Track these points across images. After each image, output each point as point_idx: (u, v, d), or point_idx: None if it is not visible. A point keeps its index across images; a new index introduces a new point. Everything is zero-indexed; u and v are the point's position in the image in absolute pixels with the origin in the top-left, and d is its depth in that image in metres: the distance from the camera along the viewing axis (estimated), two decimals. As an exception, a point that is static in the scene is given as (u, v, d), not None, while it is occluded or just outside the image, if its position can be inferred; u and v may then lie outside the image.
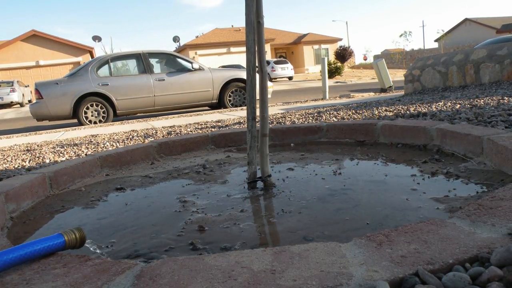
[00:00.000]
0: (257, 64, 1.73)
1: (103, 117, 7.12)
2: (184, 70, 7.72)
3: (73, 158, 2.72)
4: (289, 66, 26.64)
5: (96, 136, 4.24)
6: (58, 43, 25.24)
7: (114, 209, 1.58)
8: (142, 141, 3.30)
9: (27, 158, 2.91)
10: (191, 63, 7.82)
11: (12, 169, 2.44)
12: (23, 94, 19.18)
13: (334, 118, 3.42)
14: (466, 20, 40.17)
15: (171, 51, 8.29)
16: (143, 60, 7.48)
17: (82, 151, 3.05)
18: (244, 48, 1.93)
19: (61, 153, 3.06)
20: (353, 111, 3.92)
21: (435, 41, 42.03)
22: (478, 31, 37.10)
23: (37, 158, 2.88)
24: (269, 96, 5.58)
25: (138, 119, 6.97)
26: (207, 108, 8.57)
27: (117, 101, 7.17)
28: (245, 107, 6.97)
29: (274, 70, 25.86)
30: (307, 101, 7.77)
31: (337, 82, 20.06)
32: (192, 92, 7.63)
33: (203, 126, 4.14)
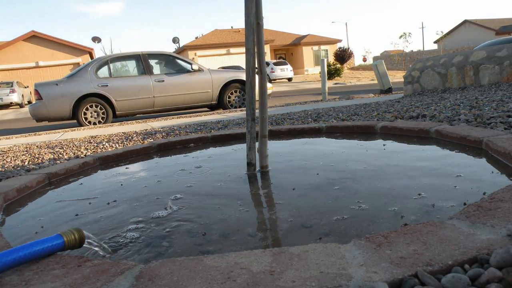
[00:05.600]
0: (256, 65, 1.73)
1: (102, 118, 7.12)
2: (184, 71, 7.73)
3: (72, 158, 2.71)
4: (288, 67, 26.66)
5: (95, 137, 4.24)
6: (58, 44, 25.25)
7: (112, 203, 1.57)
8: (141, 142, 3.30)
9: (26, 159, 2.91)
10: (191, 64, 7.83)
11: (12, 170, 2.44)
12: (22, 95, 19.17)
13: (333, 120, 3.43)
14: (465, 21, 40.28)
15: (170, 52, 8.30)
16: (142, 61, 7.49)
17: (81, 152, 3.05)
18: (243, 49, 1.93)
19: (60, 154, 3.06)
20: (353, 112, 3.93)
21: (435, 42, 42.10)
22: (478, 32, 37.21)
23: (36, 159, 2.88)
24: (268, 94, 5.57)
25: (137, 120, 6.97)
26: (206, 109, 8.58)
27: (116, 102, 7.17)
28: (244, 108, 6.98)
29: (274, 71, 25.89)
30: (306, 102, 7.78)
31: (336, 83, 20.09)
32: (192, 93, 7.64)
33: (202, 127, 4.14)
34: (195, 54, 29.98)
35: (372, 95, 8.45)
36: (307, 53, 35.93)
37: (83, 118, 7.03)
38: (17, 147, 3.94)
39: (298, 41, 35.99)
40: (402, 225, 1.08)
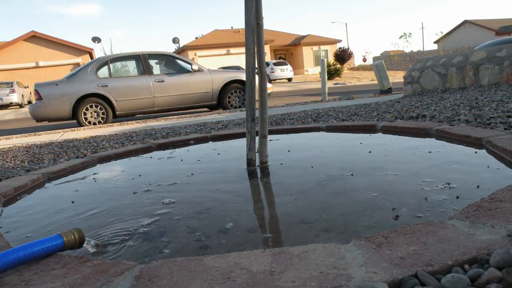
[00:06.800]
0: (256, 66, 1.74)
1: (102, 118, 7.12)
2: (184, 71, 7.73)
3: (72, 159, 2.71)
4: (288, 67, 26.67)
5: (95, 137, 4.24)
6: (58, 44, 25.24)
7: (116, 197, 1.57)
8: (141, 142, 3.30)
9: (26, 159, 2.91)
10: (191, 64, 7.83)
11: (12, 170, 2.44)
12: (22, 95, 19.18)
13: (333, 120, 3.43)
14: (465, 22, 40.25)
15: (170, 52, 8.30)
16: (142, 61, 7.49)
17: (82, 152, 3.05)
18: (243, 49, 1.94)
19: (60, 154, 3.06)
20: (353, 112, 3.93)
21: (435, 42, 42.14)
22: (477, 32, 37.19)
23: (36, 159, 2.88)
24: (268, 94, 5.57)
25: (137, 120, 6.97)
26: (206, 109, 8.58)
27: (116, 102, 7.17)
28: (244, 108, 6.98)
29: (273, 72, 25.90)
30: (306, 102, 7.78)
31: (336, 83, 20.09)
32: (192, 93, 7.64)
33: (202, 127, 4.14)
34: (195, 54, 29.98)
35: (372, 95, 8.45)
36: (307, 53, 35.92)
37: (83, 118, 7.03)
38: (17, 147, 3.94)
39: (298, 41, 35.99)
40: (393, 216, 1.11)
